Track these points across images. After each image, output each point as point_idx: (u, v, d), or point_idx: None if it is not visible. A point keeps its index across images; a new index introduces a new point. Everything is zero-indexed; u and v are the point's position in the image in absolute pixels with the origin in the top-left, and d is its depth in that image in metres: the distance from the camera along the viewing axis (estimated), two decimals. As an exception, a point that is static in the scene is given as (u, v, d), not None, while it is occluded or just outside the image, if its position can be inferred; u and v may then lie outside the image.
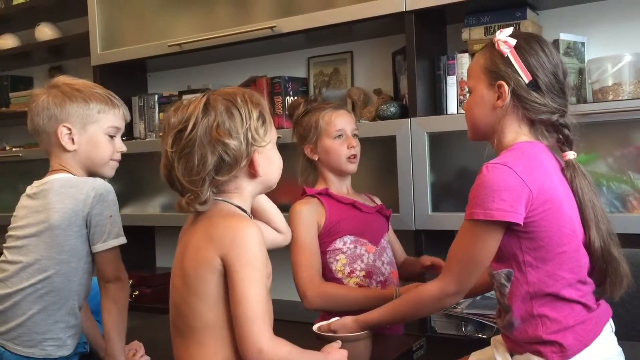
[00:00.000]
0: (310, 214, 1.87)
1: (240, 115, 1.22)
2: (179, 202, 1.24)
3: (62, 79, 1.62)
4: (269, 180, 1.30)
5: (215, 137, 1.19)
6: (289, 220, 1.86)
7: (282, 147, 1.33)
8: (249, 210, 1.29)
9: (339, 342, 1.37)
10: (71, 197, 1.52)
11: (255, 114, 1.24)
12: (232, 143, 1.20)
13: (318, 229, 1.87)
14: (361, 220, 1.91)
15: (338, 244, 1.88)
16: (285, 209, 1.88)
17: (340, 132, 1.89)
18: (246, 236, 1.18)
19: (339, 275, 1.87)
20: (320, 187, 1.93)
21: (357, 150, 1.91)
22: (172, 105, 1.27)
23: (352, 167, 1.91)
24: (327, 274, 1.88)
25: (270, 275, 1.29)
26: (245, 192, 1.27)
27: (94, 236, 1.52)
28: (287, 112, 2.08)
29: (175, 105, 1.26)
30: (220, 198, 1.25)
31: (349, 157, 1.89)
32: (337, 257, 1.88)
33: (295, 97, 2.53)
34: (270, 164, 1.29)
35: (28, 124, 1.61)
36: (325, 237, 1.88)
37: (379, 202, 2.04)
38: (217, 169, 1.20)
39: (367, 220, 1.92)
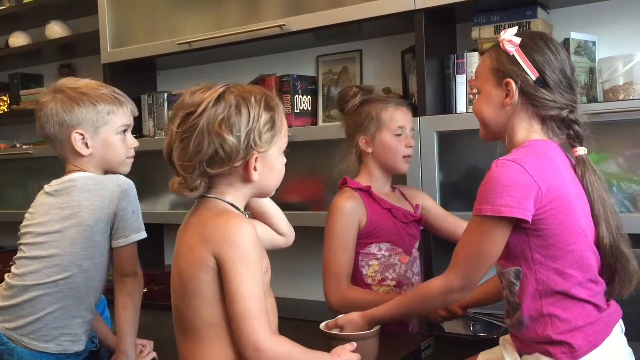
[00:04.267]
0: (354, 211, 1.78)
1: (249, 114, 1.20)
2: (172, 183, 1.24)
3: (65, 81, 1.61)
4: (265, 187, 1.28)
5: (215, 129, 1.17)
6: (328, 212, 1.80)
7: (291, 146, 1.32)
8: (242, 208, 1.27)
9: (353, 344, 1.35)
10: (97, 194, 1.53)
11: (264, 118, 1.21)
12: (230, 140, 1.17)
13: (358, 228, 1.79)
14: (398, 228, 1.84)
15: (373, 248, 1.81)
16: (303, 207, 1.87)
17: (401, 130, 1.83)
18: (237, 233, 1.16)
19: (369, 280, 1.81)
20: (363, 181, 1.85)
21: (412, 150, 1.86)
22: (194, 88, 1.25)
23: (406, 167, 1.86)
24: (356, 276, 1.81)
25: (269, 269, 1.28)
26: (238, 191, 1.25)
27: (117, 231, 1.53)
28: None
29: (195, 87, 1.24)
30: (212, 195, 1.24)
31: (405, 157, 1.84)
32: (370, 262, 1.81)
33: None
34: (270, 171, 1.26)
35: (38, 130, 1.60)
36: (362, 239, 1.80)
37: (410, 195, 1.94)
38: (210, 161, 1.18)
39: (403, 228, 1.85)
